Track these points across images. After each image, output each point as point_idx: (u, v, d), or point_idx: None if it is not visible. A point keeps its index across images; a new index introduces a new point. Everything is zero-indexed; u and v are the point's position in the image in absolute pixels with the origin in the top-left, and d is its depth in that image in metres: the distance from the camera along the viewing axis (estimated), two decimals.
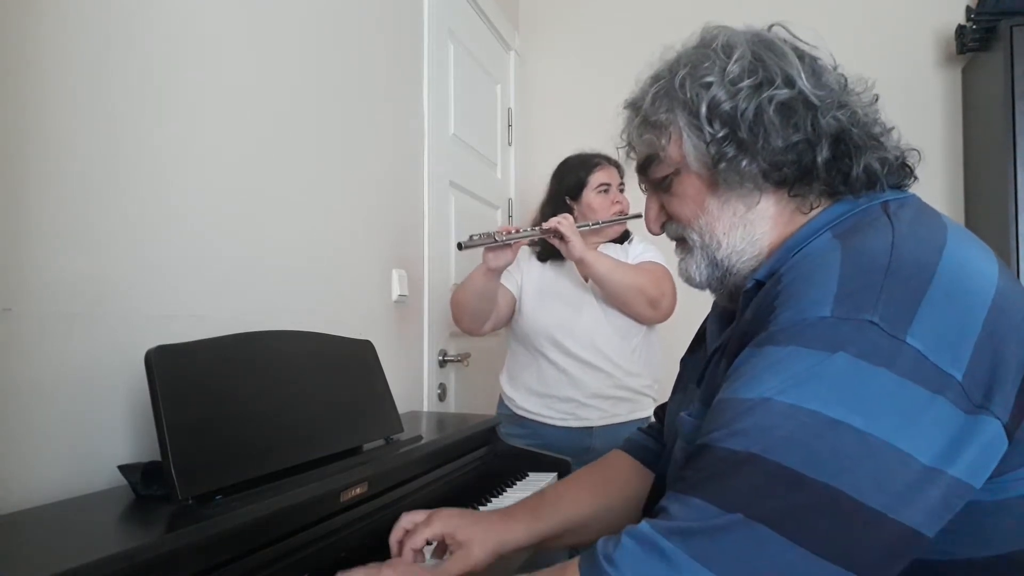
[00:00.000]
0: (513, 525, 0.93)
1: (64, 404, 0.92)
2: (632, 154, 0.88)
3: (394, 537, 0.94)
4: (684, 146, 0.79)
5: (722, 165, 0.76)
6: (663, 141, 0.81)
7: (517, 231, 1.72)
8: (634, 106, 0.85)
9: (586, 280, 1.90)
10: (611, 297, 1.84)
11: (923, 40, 2.62)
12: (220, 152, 1.22)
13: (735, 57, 0.76)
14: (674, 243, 0.88)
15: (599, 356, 1.86)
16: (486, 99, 2.60)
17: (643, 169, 0.85)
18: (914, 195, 0.79)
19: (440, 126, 2.13)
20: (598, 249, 1.89)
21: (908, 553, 0.60)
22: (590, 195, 1.93)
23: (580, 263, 1.78)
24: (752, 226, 0.79)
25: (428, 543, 0.95)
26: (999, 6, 2.26)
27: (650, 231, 0.89)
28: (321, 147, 1.52)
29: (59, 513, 0.82)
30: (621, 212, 1.93)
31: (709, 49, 0.78)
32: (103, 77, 0.99)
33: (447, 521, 0.92)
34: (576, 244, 1.73)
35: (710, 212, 0.80)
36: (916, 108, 2.59)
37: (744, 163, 0.75)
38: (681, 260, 0.86)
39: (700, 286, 0.85)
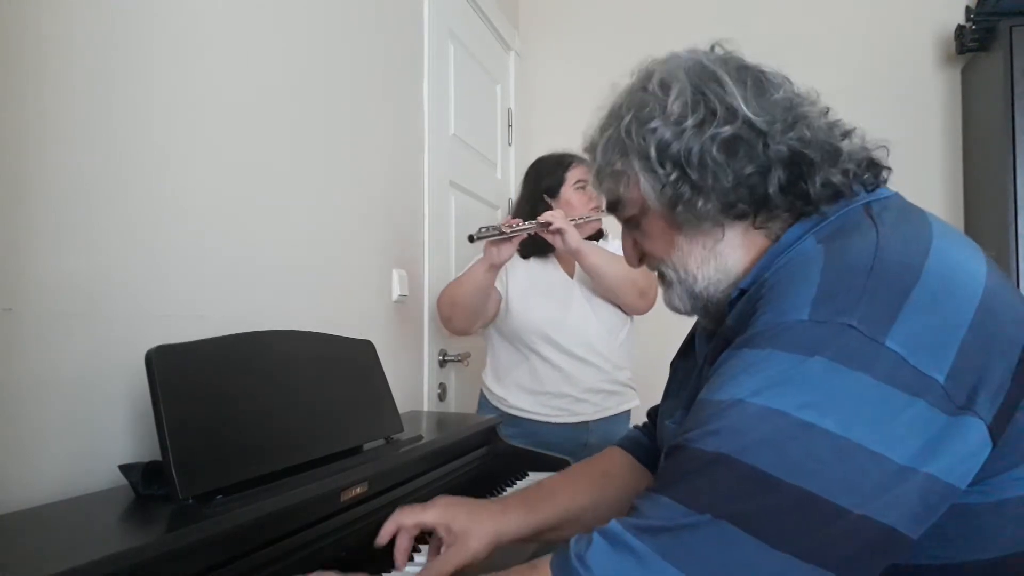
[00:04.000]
0: (509, 516, 0.93)
1: (64, 404, 0.92)
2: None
3: (387, 527, 0.93)
4: (643, 189, 0.78)
5: (679, 208, 0.76)
6: (622, 188, 0.81)
7: (519, 224, 1.74)
8: (591, 152, 0.84)
9: (571, 276, 1.92)
10: (604, 288, 1.86)
11: (923, 40, 2.62)
12: (220, 152, 1.22)
13: (673, 95, 0.75)
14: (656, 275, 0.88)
15: (591, 351, 1.88)
16: (486, 99, 2.60)
17: (611, 210, 0.86)
18: (896, 194, 0.77)
19: (440, 126, 2.13)
20: None
21: (885, 552, 0.60)
22: (568, 192, 1.94)
23: (576, 254, 1.79)
24: (723, 257, 0.78)
25: (416, 550, 0.96)
26: (999, 6, 2.26)
27: (630, 266, 0.89)
28: (321, 147, 1.52)
29: (59, 513, 0.82)
30: (598, 208, 1.94)
31: (646, 92, 0.77)
32: (103, 77, 0.99)
33: (444, 510, 0.92)
34: (572, 235, 1.75)
35: (680, 248, 0.80)
36: (916, 108, 2.59)
37: (700, 203, 0.74)
38: (664, 292, 0.86)
39: (687, 314, 0.85)
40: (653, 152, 0.75)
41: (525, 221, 1.76)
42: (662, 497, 0.62)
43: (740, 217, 0.76)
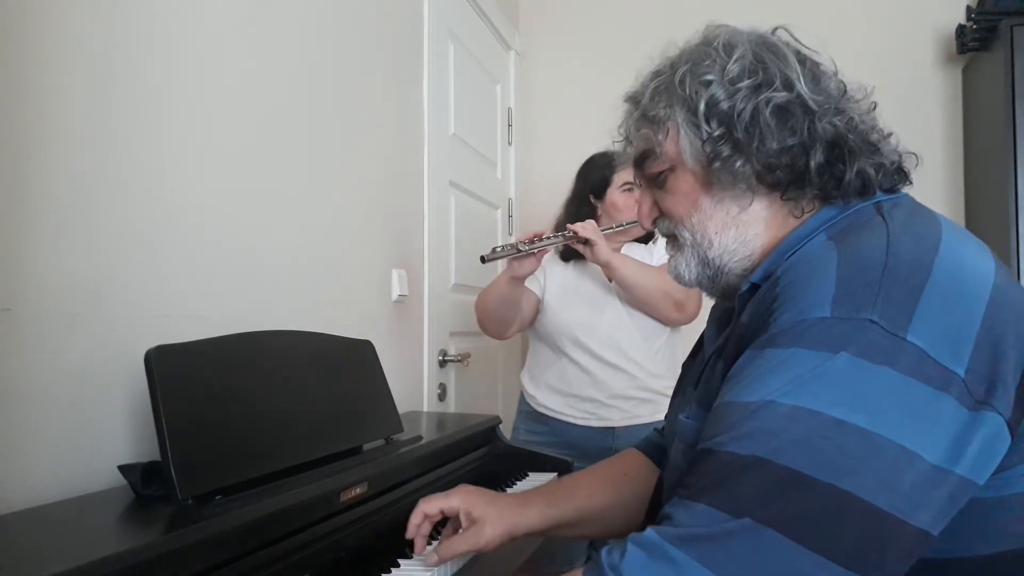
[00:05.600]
0: (527, 510, 0.95)
1: (64, 404, 0.92)
2: (629, 148, 0.88)
3: (413, 519, 0.96)
4: (681, 143, 0.79)
5: (716, 164, 0.76)
6: (660, 136, 0.81)
7: (540, 238, 1.71)
8: (634, 100, 0.84)
9: (610, 280, 1.90)
10: (637, 301, 1.84)
11: (923, 40, 2.62)
12: (220, 152, 1.22)
13: (735, 56, 0.76)
14: (665, 240, 0.88)
15: (622, 357, 1.86)
16: (486, 99, 2.60)
17: (639, 163, 0.86)
18: (907, 195, 0.79)
19: (440, 126, 2.13)
20: (622, 249, 1.89)
21: (916, 553, 0.60)
22: (614, 194, 1.92)
23: (606, 267, 1.78)
24: (745, 227, 0.79)
25: (434, 536, 0.98)
26: (999, 6, 2.26)
27: (642, 226, 0.89)
28: (321, 147, 1.52)
29: (59, 513, 0.82)
30: None
31: (710, 47, 0.78)
32: (103, 77, 0.99)
33: (466, 497, 0.94)
34: (602, 248, 1.73)
35: (703, 210, 0.80)
36: (916, 108, 2.59)
37: (738, 163, 0.75)
38: (671, 257, 0.86)
39: (689, 284, 0.85)
40: (702, 106, 0.76)
41: (550, 234, 1.74)
42: (698, 504, 0.62)
43: (773, 186, 0.76)
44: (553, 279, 1.92)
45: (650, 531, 0.63)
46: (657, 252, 1.94)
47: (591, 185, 1.95)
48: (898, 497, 0.58)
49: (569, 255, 1.93)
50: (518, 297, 1.84)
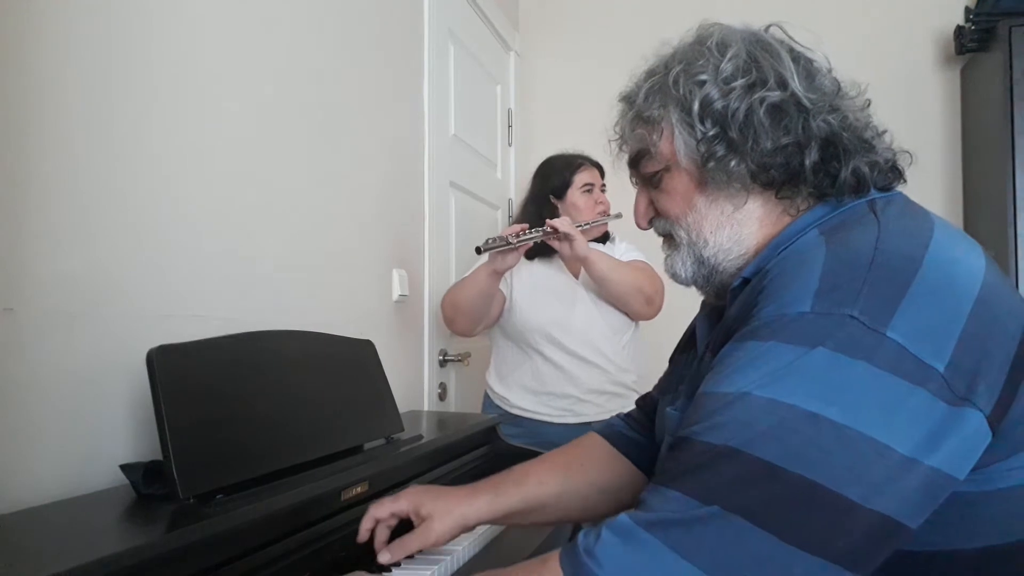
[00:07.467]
0: (476, 501, 0.95)
1: (65, 403, 0.92)
2: (624, 147, 0.88)
3: (364, 524, 0.96)
4: (675, 143, 0.79)
5: (711, 164, 0.76)
6: (654, 137, 0.81)
7: (524, 232, 1.74)
8: (628, 99, 0.84)
9: (576, 277, 1.92)
10: (611, 295, 1.87)
11: (923, 40, 2.62)
12: (220, 152, 1.22)
13: (729, 56, 0.76)
14: (661, 240, 0.88)
15: (595, 352, 1.88)
16: (486, 99, 2.60)
17: (634, 163, 0.86)
18: (901, 193, 0.79)
19: (440, 126, 2.13)
20: None
21: (887, 542, 0.60)
22: (575, 195, 1.95)
23: (584, 261, 1.80)
24: (739, 226, 0.79)
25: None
26: (998, 6, 2.26)
27: (638, 225, 0.89)
28: (321, 147, 1.52)
29: (59, 513, 0.82)
30: (604, 212, 1.96)
31: (704, 47, 0.78)
32: (103, 77, 0.99)
33: (413, 497, 0.95)
34: (581, 243, 1.75)
35: (698, 210, 0.80)
36: (915, 108, 2.59)
37: (733, 163, 0.75)
38: (667, 256, 0.86)
39: (685, 282, 0.85)
40: (696, 106, 0.76)
41: (532, 229, 1.76)
42: (670, 491, 0.63)
43: (768, 185, 0.76)
44: (520, 277, 1.93)
45: (623, 516, 0.64)
46: (617, 251, 1.98)
47: (551, 186, 1.97)
48: (865, 486, 0.58)
49: (533, 253, 1.94)
50: (495, 292, 1.85)
